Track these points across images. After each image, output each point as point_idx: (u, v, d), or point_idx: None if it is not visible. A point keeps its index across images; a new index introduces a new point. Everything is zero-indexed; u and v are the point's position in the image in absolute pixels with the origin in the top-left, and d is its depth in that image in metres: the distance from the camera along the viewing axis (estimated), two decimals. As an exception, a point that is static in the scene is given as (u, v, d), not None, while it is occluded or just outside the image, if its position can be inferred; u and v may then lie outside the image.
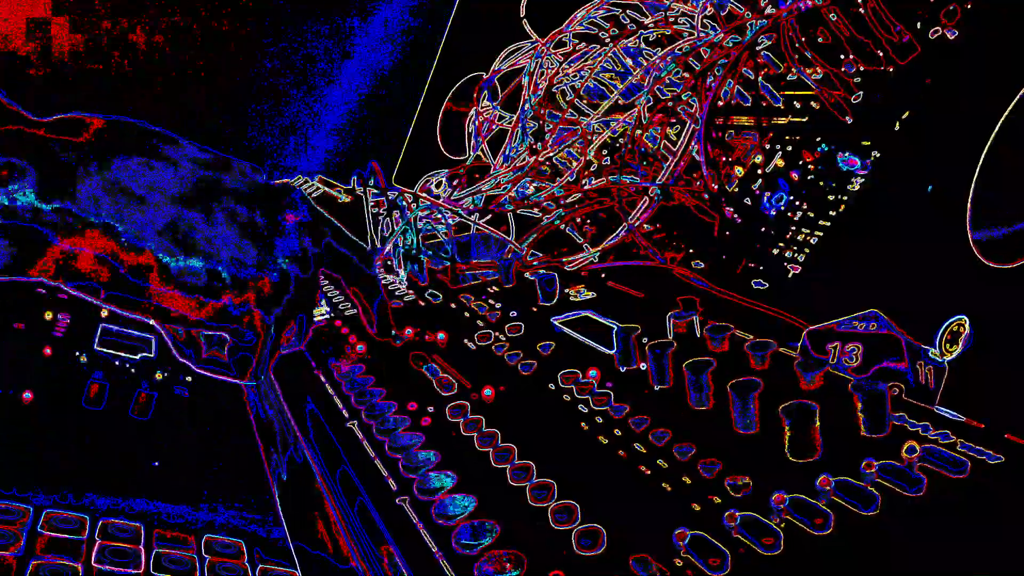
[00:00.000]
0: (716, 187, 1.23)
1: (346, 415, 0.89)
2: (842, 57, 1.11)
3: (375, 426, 0.84)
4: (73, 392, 1.16)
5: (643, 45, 1.55)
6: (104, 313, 1.46)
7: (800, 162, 1.15)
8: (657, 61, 1.44)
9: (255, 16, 2.17)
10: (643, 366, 0.86)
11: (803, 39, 1.14)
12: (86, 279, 0.75)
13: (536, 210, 1.55)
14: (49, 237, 0.75)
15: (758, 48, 1.23)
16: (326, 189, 2.14)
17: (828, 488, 0.62)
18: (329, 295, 1.34)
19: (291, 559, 0.99)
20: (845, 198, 1.06)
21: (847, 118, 1.10)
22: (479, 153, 1.93)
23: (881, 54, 1.07)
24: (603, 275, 1.25)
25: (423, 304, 1.22)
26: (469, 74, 2.20)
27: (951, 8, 1.00)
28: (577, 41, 1.71)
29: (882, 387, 0.68)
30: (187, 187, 0.80)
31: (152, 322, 0.80)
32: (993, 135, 0.87)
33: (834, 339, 0.83)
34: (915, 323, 0.81)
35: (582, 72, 1.66)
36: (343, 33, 2.27)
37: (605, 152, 1.61)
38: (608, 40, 1.61)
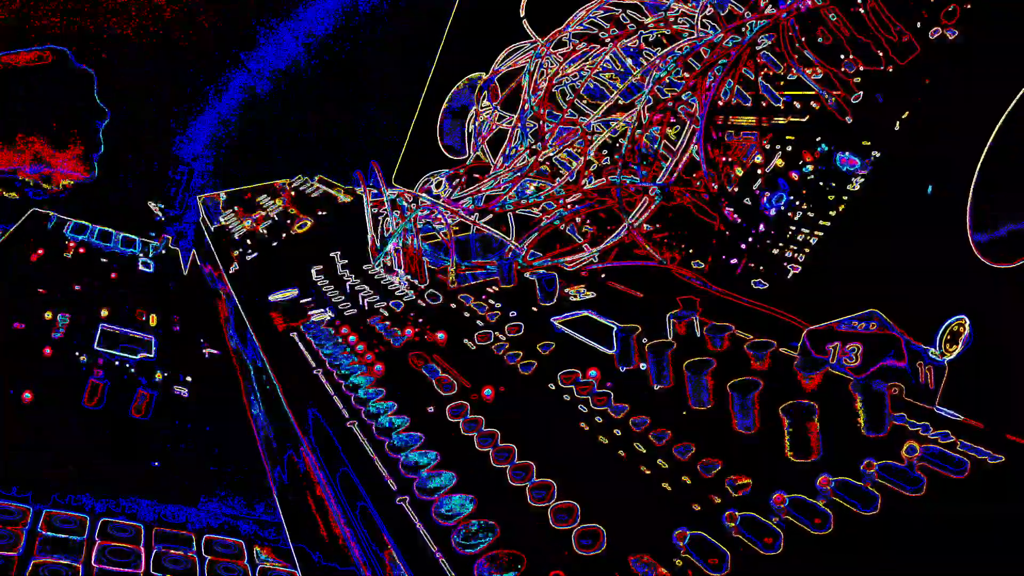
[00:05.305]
0: (716, 187, 1.23)
1: (346, 415, 0.89)
2: (842, 57, 1.11)
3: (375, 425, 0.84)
4: (73, 392, 1.16)
5: (643, 45, 1.55)
6: (104, 313, 1.46)
7: (800, 162, 1.15)
8: (657, 61, 1.44)
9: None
10: (643, 366, 0.86)
11: (803, 39, 1.14)
12: None
13: (536, 210, 1.55)
14: None
15: (758, 48, 1.23)
16: (326, 189, 2.14)
17: (828, 488, 0.62)
18: (329, 295, 1.34)
19: (291, 559, 0.99)
20: (845, 198, 1.06)
21: (847, 118, 1.10)
22: (479, 153, 1.93)
23: (881, 54, 1.07)
24: (603, 275, 1.25)
25: (423, 304, 1.22)
26: (469, 74, 2.19)
27: (951, 8, 1.00)
28: (577, 41, 1.71)
29: (882, 387, 0.68)
30: None
31: None
32: (993, 135, 0.87)
33: (834, 339, 0.83)
34: (915, 323, 0.81)
35: (582, 72, 1.66)
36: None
37: (605, 152, 1.61)
38: (608, 40, 1.61)
